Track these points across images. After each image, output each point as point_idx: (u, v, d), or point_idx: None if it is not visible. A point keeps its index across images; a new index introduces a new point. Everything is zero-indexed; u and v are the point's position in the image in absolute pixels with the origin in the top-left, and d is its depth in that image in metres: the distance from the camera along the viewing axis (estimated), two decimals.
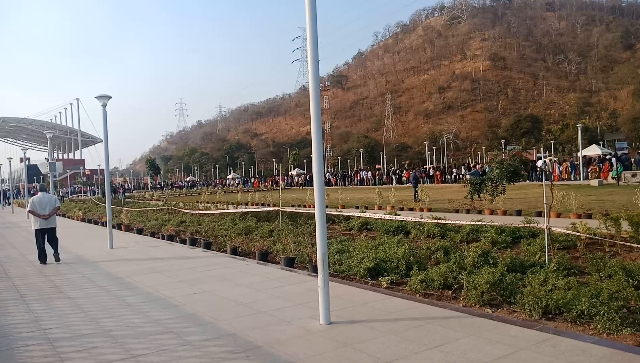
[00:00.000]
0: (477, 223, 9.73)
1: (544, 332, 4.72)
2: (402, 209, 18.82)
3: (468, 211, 16.77)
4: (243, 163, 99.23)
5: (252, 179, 71.55)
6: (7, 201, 42.75)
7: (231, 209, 19.36)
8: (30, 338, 5.26)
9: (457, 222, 10.77)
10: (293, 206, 22.29)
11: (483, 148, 73.97)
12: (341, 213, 14.79)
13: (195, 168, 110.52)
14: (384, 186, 41.94)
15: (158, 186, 72.55)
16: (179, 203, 25.63)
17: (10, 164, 41.58)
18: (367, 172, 56.19)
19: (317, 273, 7.97)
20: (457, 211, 17.22)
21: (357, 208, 20.37)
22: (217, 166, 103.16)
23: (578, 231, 8.41)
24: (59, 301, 6.98)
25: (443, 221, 11.25)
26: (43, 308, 6.60)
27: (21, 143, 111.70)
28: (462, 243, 9.79)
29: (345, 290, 6.79)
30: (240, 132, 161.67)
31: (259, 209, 18.71)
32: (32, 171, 70.82)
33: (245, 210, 18.22)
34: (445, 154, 78.49)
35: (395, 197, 19.99)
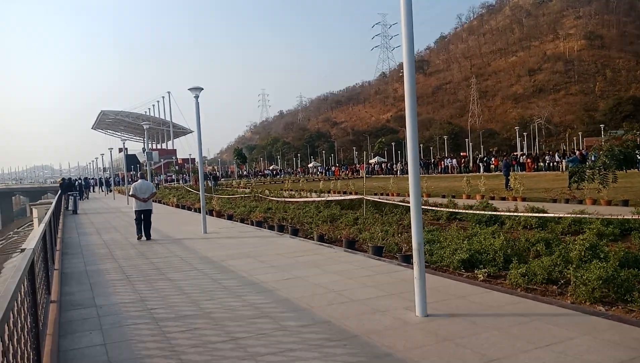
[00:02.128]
0: (579, 215, 9.04)
1: None
2: (492, 198, 17.98)
3: (567, 201, 15.68)
4: (323, 152, 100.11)
5: (333, 168, 72.00)
6: (109, 188, 46.32)
7: (315, 198, 19.56)
8: (138, 317, 5.58)
9: (558, 213, 10.04)
10: (376, 194, 22.13)
11: (579, 133, 68.95)
12: (440, 208, 14.38)
13: (278, 157, 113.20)
14: (470, 174, 40.41)
15: (244, 174, 75.26)
16: (265, 191, 26.35)
17: (110, 154, 44.96)
18: (452, 160, 54.45)
19: (407, 262, 7.84)
20: (554, 201, 16.15)
21: (443, 196, 19.76)
22: (298, 154, 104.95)
23: None
24: (161, 283, 7.38)
25: (540, 214, 10.56)
26: (147, 289, 7.00)
27: (119, 134, 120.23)
28: (564, 234, 9.14)
29: (439, 282, 6.56)
30: (320, 121, 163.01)
31: (343, 198, 18.73)
32: (131, 160, 76.22)
33: (329, 198, 18.32)
34: (537, 140, 74.08)
35: (485, 185, 19.13)
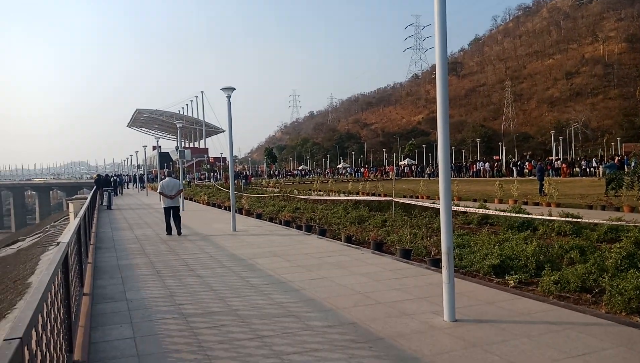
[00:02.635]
0: (616, 222, 8.73)
1: None
2: (526, 203, 17.59)
3: (604, 208, 15.18)
4: (353, 153, 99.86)
5: (362, 169, 71.77)
6: (142, 185, 47.35)
7: (343, 197, 19.52)
8: (166, 312, 5.68)
9: (594, 220, 9.73)
10: (405, 196, 21.93)
11: (617, 138, 66.70)
12: (464, 208, 14.17)
13: (307, 157, 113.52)
14: (503, 178, 39.63)
15: (274, 174, 75.79)
16: (294, 191, 26.45)
17: (144, 151, 45.97)
18: (484, 163, 53.49)
19: (435, 266, 7.73)
20: (590, 207, 15.67)
21: (474, 200, 19.42)
22: (327, 155, 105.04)
23: None
24: (190, 279, 7.48)
25: (575, 219, 10.25)
26: (177, 285, 7.12)
27: (153, 132, 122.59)
28: (600, 242, 8.85)
29: (468, 287, 6.44)
30: (350, 122, 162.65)
31: (371, 198, 18.64)
32: (164, 158, 77.71)
33: (357, 198, 18.25)
34: (573, 145, 72.11)
35: (518, 190, 18.71)
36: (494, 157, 64.14)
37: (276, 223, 15.15)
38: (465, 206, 14.82)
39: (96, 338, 4.84)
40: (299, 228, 13.44)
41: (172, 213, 12.99)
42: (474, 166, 54.23)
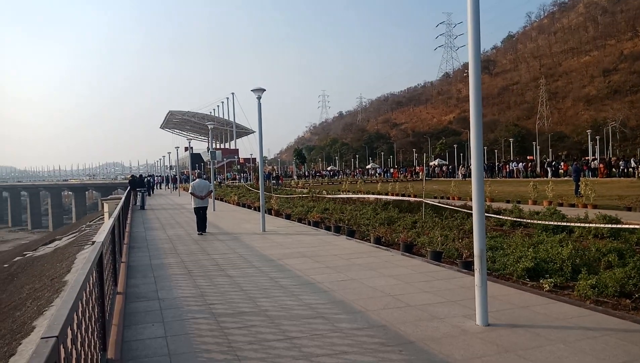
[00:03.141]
0: None
1: None
2: (561, 204, 17.13)
3: None
4: (382, 153, 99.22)
5: (392, 170, 71.26)
6: (174, 185, 48.22)
7: (371, 195, 19.41)
8: (197, 312, 5.75)
9: (632, 223, 9.39)
10: (435, 197, 21.66)
11: None
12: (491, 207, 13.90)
13: (336, 158, 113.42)
14: (537, 178, 38.70)
15: (303, 174, 76.04)
16: (322, 191, 26.47)
17: (177, 152, 46.79)
18: (518, 163, 52.33)
19: (467, 269, 7.60)
20: (629, 209, 15.14)
21: (507, 201, 19.02)
22: (356, 156, 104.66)
23: None
24: (220, 279, 7.56)
25: (613, 224, 9.92)
26: (207, 284, 7.20)
27: (186, 133, 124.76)
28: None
29: (501, 290, 6.30)
30: (380, 122, 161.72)
31: (401, 198, 18.48)
32: (195, 159, 78.96)
33: (387, 198, 18.12)
34: (610, 144, 69.80)
35: (553, 191, 18.24)
36: (528, 157, 62.64)
37: (305, 223, 15.18)
38: (499, 208, 14.53)
39: (129, 336, 4.93)
40: (328, 228, 13.43)
41: (202, 213, 13.47)
42: (507, 166, 53.12)
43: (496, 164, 59.28)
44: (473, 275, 5.10)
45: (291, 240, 11.68)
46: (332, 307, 5.75)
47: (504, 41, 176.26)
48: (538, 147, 62.93)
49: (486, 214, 12.72)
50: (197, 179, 13.98)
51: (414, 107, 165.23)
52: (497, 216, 11.72)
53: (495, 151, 78.97)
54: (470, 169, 45.95)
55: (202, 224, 13.51)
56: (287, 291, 6.62)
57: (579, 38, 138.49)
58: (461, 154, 74.24)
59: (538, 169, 50.65)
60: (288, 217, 16.98)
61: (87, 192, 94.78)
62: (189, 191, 14.23)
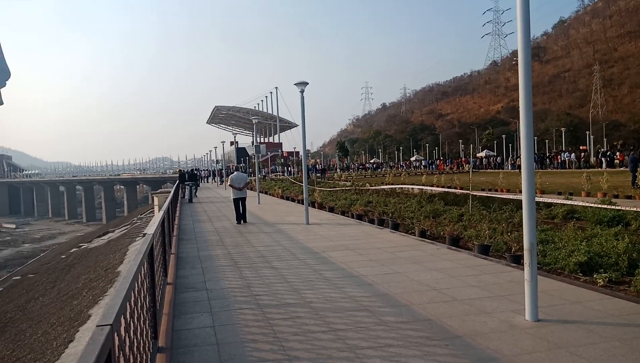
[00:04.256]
0: None
1: None
2: (616, 196, 16.35)
3: None
4: (427, 145, 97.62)
5: (437, 161, 70.08)
6: (221, 179, 49.26)
7: (416, 187, 19.15)
8: (244, 303, 5.86)
9: None
10: (483, 189, 21.15)
11: None
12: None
13: (379, 150, 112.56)
14: (590, 169, 37.08)
15: (345, 167, 75.96)
16: (366, 184, 26.35)
17: (222, 147, 47.78)
18: (570, 154, 50.31)
19: (516, 263, 7.39)
20: None
21: (559, 194, 18.34)
22: (400, 148, 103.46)
23: None
24: (265, 270, 7.68)
25: None
26: (253, 276, 7.33)
27: (231, 128, 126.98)
28: None
29: (552, 285, 6.09)
30: (424, 113, 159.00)
31: (446, 191, 18.16)
32: (240, 153, 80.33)
33: (431, 189, 17.84)
34: None
35: (608, 182, 17.43)
36: (581, 147, 60.11)
37: (348, 216, 15.16)
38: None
39: (178, 325, 5.09)
40: (372, 221, 13.36)
41: (241, 203, 14.47)
42: (559, 157, 51.17)
43: (547, 155, 57.18)
44: (522, 269, 4.95)
45: (334, 233, 11.70)
46: (377, 300, 5.73)
47: (555, 27, 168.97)
48: (592, 136, 60.24)
49: (541, 200, 12.35)
50: (235, 172, 15.31)
51: (460, 97, 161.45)
52: (548, 200, 11.33)
53: (546, 141, 76.19)
54: (519, 160, 44.58)
55: (241, 215, 14.38)
56: (331, 283, 6.65)
57: (637, 21, 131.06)
58: (510, 145, 72.03)
59: (592, 159, 48.54)
60: (331, 210, 17.01)
61: (137, 186, 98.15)
62: (228, 183, 15.45)
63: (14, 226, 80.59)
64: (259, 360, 4.06)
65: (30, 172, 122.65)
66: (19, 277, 26.11)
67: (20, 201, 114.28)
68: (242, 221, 14.37)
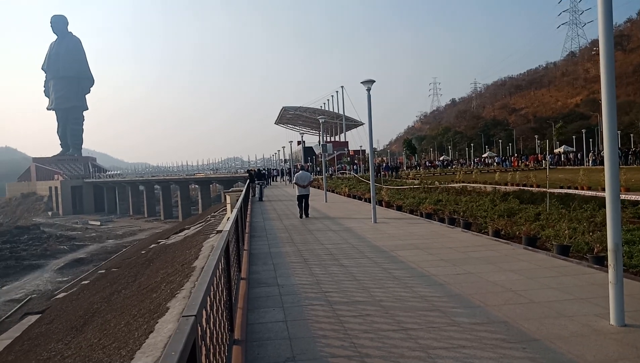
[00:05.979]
0: None
1: None
2: None
3: None
4: (500, 141, 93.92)
5: (511, 158, 67.28)
6: (289, 178, 50.17)
7: (489, 186, 18.52)
8: (314, 299, 5.96)
9: None
10: (561, 187, 20.09)
11: None
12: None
13: (449, 147, 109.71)
14: None
15: (413, 165, 74.76)
16: (434, 182, 25.82)
17: (290, 146, 48.60)
18: None
19: (599, 265, 6.98)
20: None
21: None
22: (471, 144, 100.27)
23: None
24: (334, 268, 7.75)
25: None
26: (322, 273, 7.43)
27: (298, 128, 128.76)
28: None
29: (639, 288, 5.69)
30: (497, 108, 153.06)
31: (522, 188, 17.43)
32: (308, 152, 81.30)
33: (505, 188, 17.18)
34: None
35: None
36: None
37: (417, 215, 14.94)
38: (637, 200, 13.10)
39: (252, 319, 5.26)
40: (442, 220, 13.08)
41: (304, 200, 15.57)
42: None
43: (632, 150, 53.20)
44: (606, 271, 4.69)
45: (403, 232, 11.58)
46: (449, 301, 5.62)
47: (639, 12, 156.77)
48: None
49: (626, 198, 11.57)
50: (300, 171, 16.54)
51: (535, 91, 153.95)
52: (634, 198, 10.57)
53: (631, 135, 70.91)
54: (601, 156, 41.88)
55: (305, 210, 15.53)
56: (401, 282, 6.60)
57: None
58: (590, 139, 67.77)
59: None
60: (399, 208, 16.83)
61: (211, 185, 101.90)
62: (293, 181, 16.61)
63: (99, 223, 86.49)
64: (330, 356, 4.12)
65: (113, 172, 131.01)
66: (103, 271, 28.00)
67: (104, 200, 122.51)
68: (304, 216, 15.55)
